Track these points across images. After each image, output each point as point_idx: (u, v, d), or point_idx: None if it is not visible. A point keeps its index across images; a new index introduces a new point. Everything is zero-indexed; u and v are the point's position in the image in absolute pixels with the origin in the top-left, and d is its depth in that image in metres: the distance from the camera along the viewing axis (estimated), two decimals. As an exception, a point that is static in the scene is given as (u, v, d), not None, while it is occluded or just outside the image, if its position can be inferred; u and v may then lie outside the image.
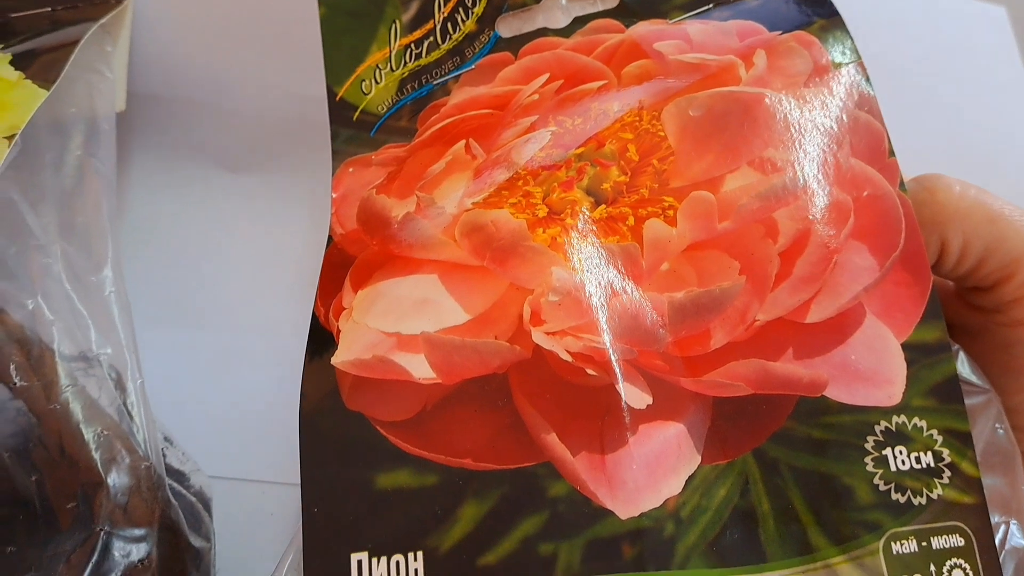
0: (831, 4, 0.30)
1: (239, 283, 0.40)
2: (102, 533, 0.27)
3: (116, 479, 0.27)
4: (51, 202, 0.32)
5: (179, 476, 0.31)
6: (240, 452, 0.36)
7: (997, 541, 0.24)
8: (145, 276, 0.36)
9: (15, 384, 0.28)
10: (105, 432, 0.28)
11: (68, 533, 0.27)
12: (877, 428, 0.24)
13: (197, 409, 0.36)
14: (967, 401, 0.25)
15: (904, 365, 0.25)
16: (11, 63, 0.34)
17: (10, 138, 0.30)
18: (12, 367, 0.28)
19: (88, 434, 0.28)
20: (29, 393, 0.28)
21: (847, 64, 0.28)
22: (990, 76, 0.42)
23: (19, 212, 0.31)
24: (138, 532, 0.27)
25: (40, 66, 0.33)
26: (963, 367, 0.26)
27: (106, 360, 0.30)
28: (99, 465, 0.27)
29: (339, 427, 0.25)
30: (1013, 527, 0.25)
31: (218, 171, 0.42)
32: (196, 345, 0.38)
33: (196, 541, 0.29)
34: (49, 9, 0.37)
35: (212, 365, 0.38)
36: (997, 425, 0.26)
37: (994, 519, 0.25)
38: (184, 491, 0.31)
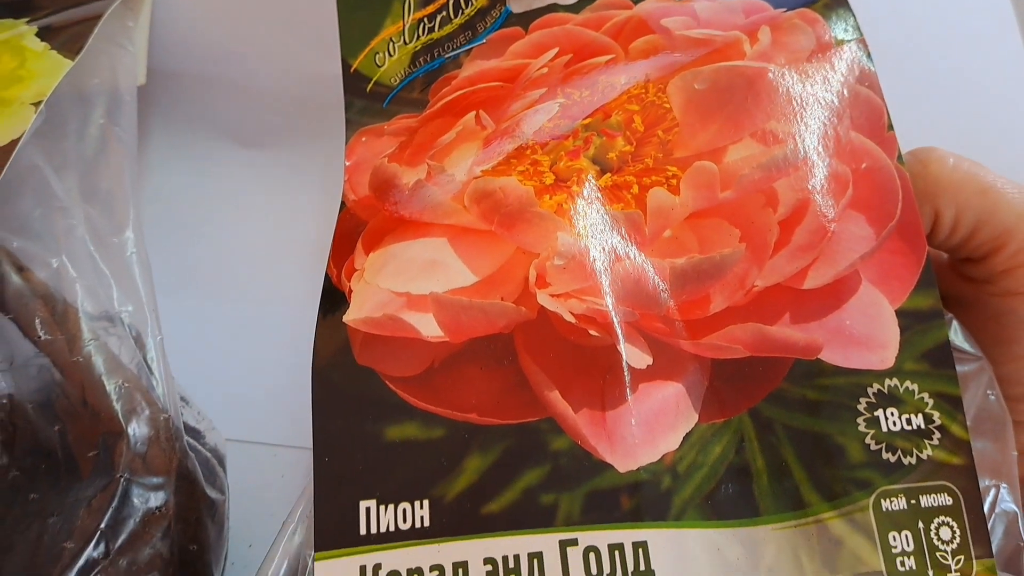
0: None
1: (253, 253, 0.41)
2: (122, 480, 0.28)
3: (136, 429, 0.28)
4: (74, 168, 0.33)
5: (195, 433, 0.32)
6: (253, 416, 0.37)
7: (987, 504, 0.25)
8: (161, 246, 0.37)
9: (40, 338, 0.29)
10: (126, 384, 0.29)
11: (89, 481, 0.28)
12: (870, 390, 0.25)
13: (212, 375, 0.37)
14: (960, 368, 0.26)
15: (898, 330, 0.25)
16: (36, 35, 0.35)
17: (36, 104, 0.31)
18: (37, 321, 0.29)
19: (110, 386, 0.29)
20: (53, 347, 0.29)
21: (849, 41, 0.29)
22: (990, 52, 0.43)
23: (44, 177, 0.32)
24: (156, 480, 0.28)
25: (64, 39, 0.34)
26: (956, 336, 0.27)
27: (127, 318, 0.31)
28: (120, 416, 0.28)
29: (350, 381, 0.26)
30: (1003, 491, 0.26)
31: (234, 146, 0.43)
32: (210, 313, 0.39)
33: (211, 493, 0.30)
34: None
35: (226, 332, 0.39)
36: (989, 392, 0.26)
37: (984, 483, 0.25)
38: (200, 447, 0.32)
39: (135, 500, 0.28)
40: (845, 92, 0.28)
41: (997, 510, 0.25)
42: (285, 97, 0.44)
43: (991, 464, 0.26)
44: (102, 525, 0.27)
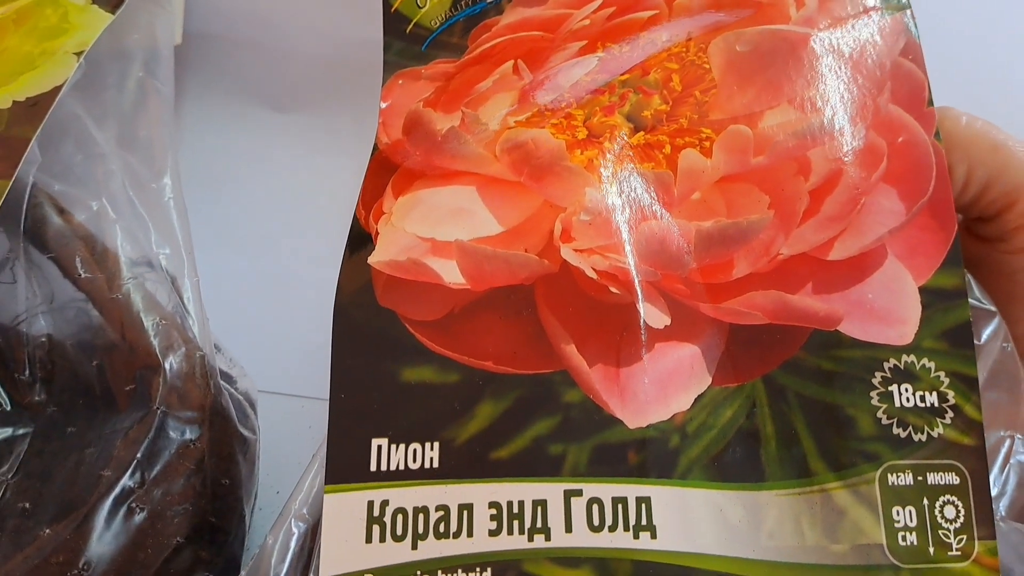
0: None
1: (286, 210, 0.42)
2: (158, 413, 0.28)
3: (172, 365, 0.29)
4: (113, 118, 0.34)
5: (228, 378, 0.33)
6: (283, 369, 0.38)
7: (1001, 455, 0.25)
8: (196, 200, 0.38)
9: (80, 276, 0.29)
10: (163, 321, 0.30)
11: (126, 414, 0.29)
12: (886, 365, 0.25)
13: (244, 327, 0.38)
14: (976, 325, 0.25)
15: (919, 307, 0.25)
16: None
17: (79, 54, 0.32)
18: (78, 260, 0.29)
19: (147, 322, 0.29)
20: (92, 284, 0.29)
21: (897, 11, 0.28)
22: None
23: (84, 126, 0.33)
24: (191, 414, 0.29)
25: None
26: (970, 290, 0.27)
27: (165, 260, 0.31)
28: (157, 351, 0.29)
29: (370, 321, 0.26)
30: (1017, 441, 0.26)
31: (267, 110, 0.44)
32: (243, 267, 0.40)
33: (243, 431, 0.31)
34: None
35: (258, 286, 0.40)
36: (1004, 343, 0.26)
37: (999, 433, 0.25)
38: (232, 390, 0.32)
39: (171, 432, 0.28)
40: (887, 63, 0.28)
41: (1012, 461, 0.26)
42: (318, 61, 0.44)
43: (1006, 416, 0.26)
44: (138, 455, 0.28)
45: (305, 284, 0.40)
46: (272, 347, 0.39)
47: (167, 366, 0.29)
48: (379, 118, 0.31)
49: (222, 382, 0.31)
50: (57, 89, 0.30)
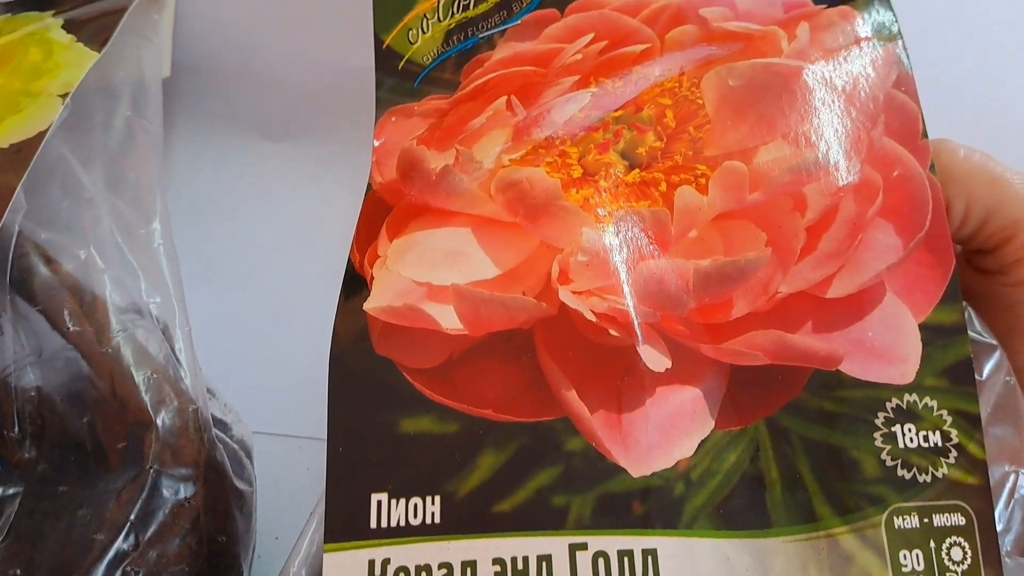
0: None
1: (280, 244, 0.41)
2: (151, 471, 0.28)
3: (165, 420, 0.29)
4: (100, 159, 0.34)
5: (222, 426, 0.33)
6: (279, 408, 0.38)
7: (1006, 490, 0.25)
8: (187, 237, 0.37)
9: (69, 329, 0.29)
10: (154, 375, 0.29)
11: (118, 472, 0.28)
12: (888, 405, 0.25)
13: (238, 366, 0.37)
14: (978, 358, 0.25)
15: (920, 345, 0.25)
16: (62, 27, 0.35)
17: (64, 96, 0.31)
18: (66, 312, 0.29)
19: (138, 377, 0.29)
20: (82, 338, 0.29)
21: (888, 42, 0.28)
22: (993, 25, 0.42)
23: (71, 168, 0.32)
24: (185, 471, 0.29)
25: (90, 31, 0.35)
26: (970, 324, 0.27)
27: (155, 309, 0.31)
28: (149, 407, 0.29)
29: (367, 371, 0.26)
30: (1022, 476, 0.26)
31: (259, 139, 0.44)
32: (237, 304, 0.40)
33: (239, 484, 0.31)
34: None
35: (253, 323, 0.40)
36: (1007, 377, 0.26)
37: (1004, 468, 0.25)
38: (227, 439, 0.32)
39: (164, 491, 0.28)
40: (881, 96, 0.27)
41: (1016, 496, 0.25)
42: (309, 89, 0.44)
43: (1010, 450, 0.26)
44: (132, 517, 0.27)
45: (299, 319, 0.39)
46: (267, 386, 0.38)
47: (159, 422, 0.29)
48: (373, 156, 0.30)
49: (216, 431, 0.31)
50: (42, 134, 0.30)
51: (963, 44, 0.41)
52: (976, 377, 0.25)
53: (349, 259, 0.28)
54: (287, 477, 0.36)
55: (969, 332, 0.25)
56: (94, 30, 0.35)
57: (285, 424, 0.37)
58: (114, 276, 0.30)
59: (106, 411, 0.29)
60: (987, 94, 0.41)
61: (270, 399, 0.38)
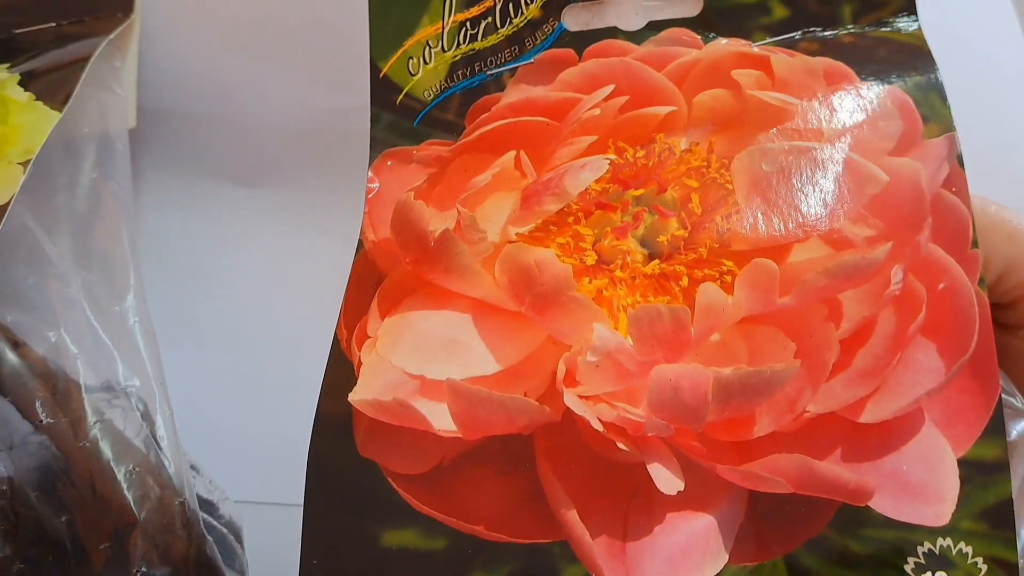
0: (930, 56, 0.27)
1: (258, 301, 0.39)
2: (138, 574, 0.26)
3: (150, 517, 0.27)
4: (67, 228, 0.31)
5: (209, 506, 0.31)
6: (265, 475, 0.36)
7: None
8: (161, 296, 0.35)
9: (41, 422, 0.26)
10: (136, 469, 0.27)
11: (102, 574, 0.26)
12: (920, 549, 0.23)
13: (219, 432, 0.36)
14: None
15: (958, 483, 0.23)
16: (19, 83, 0.32)
17: (25, 164, 0.29)
18: (38, 403, 0.27)
19: (120, 472, 0.27)
20: (56, 430, 0.27)
21: (941, 132, 0.26)
22: (996, 69, 0.40)
23: (35, 239, 0.30)
24: (173, 571, 0.27)
25: (48, 85, 0.32)
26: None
27: (134, 392, 0.28)
28: (132, 504, 0.27)
29: (349, 474, 0.24)
30: None
31: (232, 186, 0.41)
32: (216, 367, 0.38)
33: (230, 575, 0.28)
34: (54, 24, 0.36)
35: (233, 386, 0.37)
36: None
37: None
38: (215, 522, 0.30)
39: (152, 595, 0.26)
40: (929, 195, 0.25)
41: None
42: (285, 131, 0.41)
43: None
44: (119, 624, 0.25)
45: (281, 378, 0.37)
46: (250, 451, 0.36)
47: (144, 519, 0.26)
48: (365, 206, 0.28)
49: (204, 514, 0.29)
50: (3, 208, 0.27)
51: (973, 91, 0.40)
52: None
53: (335, 336, 0.26)
54: (277, 550, 0.33)
55: (1010, 472, 0.23)
56: (54, 84, 0.32)
57: (272, 491, 0.35)
58: (87, 359, 0.28)
59: (86, 509, 0.27)
60: (1001, 140, 0.39)
61: (253, 464, 0.36)
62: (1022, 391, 0.26)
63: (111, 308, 0.30)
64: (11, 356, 0.27)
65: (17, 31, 0.36)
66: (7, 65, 0.33)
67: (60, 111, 0.31)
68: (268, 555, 0.32)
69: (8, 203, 0.27)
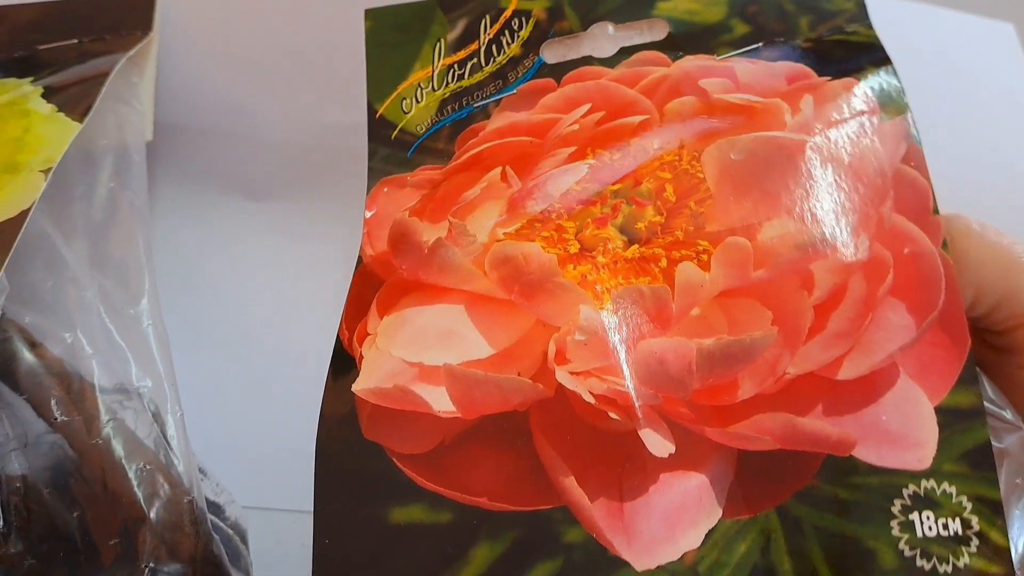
0: (883, 50, 0.29)
1: (268, 311, 0.40)
2: (146, 570, 0.26)
3: (159, 514, 0.27)
4: (84, 234, 0.32)
5: (215, 508, 0.31)
6: (271, 481, 0.36)
7: None
8: (172, 305, 0.36)
9: (56, 419, 0.27)
10: (147, 466, 0.28)
11: (111, 569, 0.27)
12: (905, 492, 0.23)
13: (228, 438, 0.36)
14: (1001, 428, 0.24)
15: (936, 429, 0.24)
16: (42, 96, 0.34)
17: (46, 171, 0.30)
18: (53, 401, 0.28)
19: (130, 470, 0.28)
20: (70, 428, 0.28)
21: (896, 115, 0.28)
22: (998, 93, 0.42)
23: (53, 245, 0.31)
24: (181, 568, 0.27)
25: (70, 98, 0.34)
26: (985, 391, 0.26)
27: (146, 393, 0.29)
28: (142, 500, 0.27)
29: (356, 457, 0.25)
30: None
31: (242, 199, 0.43)
32: (225, 374, 0.38)
33: (235, 575, 0.29)
34: (76, 41, 0.38)
35: (242, 393, 0.38)
36: None
37: None
38: (221, 524, 0.30)
39: (160, 589, 0.27)
40: (889, 171, 0.27)
41: None
42: (296, 148, 0.43)
43: None
44: (127, 618, 0.26)
45: (287, 384, 0.38)
46: (257, 457, 0.37)
47: (153, 516, 0.27)
48: (364, 228, 0.29)
49: (211, 515, 0.29)
50: (24, 213, 0.29)
51: (974, 114, 0.41)
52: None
53: (337, 337, 0.27)
54: (281, 556, 0.34)
55: (986, 416, 0.24)
56: (74, 97, 0.34)
57: (278, 498, 0.36)
58: (102, 360, 0.29)
59: (97, 504, 0.27)
60: (997, 163, 0.41)
61: (260, 471, 0.36)
62: (1016, 407, 0.27)
63: (126, 311, 0.31)
64: (28, 356, 0.28)
65: (41, 47, 0.37)
66: (31, 79, 0.35)
67: (80, 123, 0.32)
68: (274, 560, 0.33)
69: (30, 208, 0.29)
